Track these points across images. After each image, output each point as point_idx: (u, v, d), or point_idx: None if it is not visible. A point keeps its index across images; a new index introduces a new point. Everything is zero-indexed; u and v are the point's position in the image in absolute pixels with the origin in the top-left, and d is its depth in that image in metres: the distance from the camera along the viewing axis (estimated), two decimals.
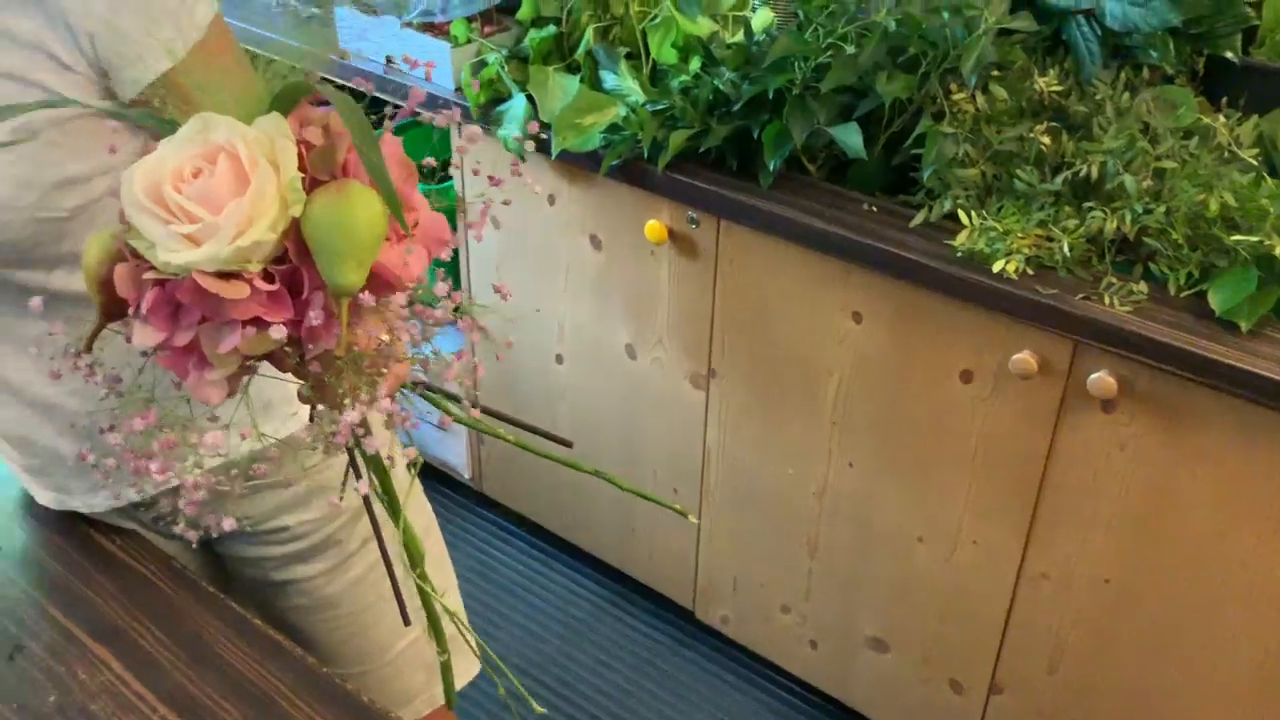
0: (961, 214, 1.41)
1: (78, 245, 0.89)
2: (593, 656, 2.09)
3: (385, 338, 0.61)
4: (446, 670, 0.84)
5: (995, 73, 1.46)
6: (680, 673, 2.06)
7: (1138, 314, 1.30)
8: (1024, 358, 1.40)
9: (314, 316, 0.58)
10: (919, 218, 1.46)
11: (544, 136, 1.67)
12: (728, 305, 1.70)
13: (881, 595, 1.74)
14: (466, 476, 2.32)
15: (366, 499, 0.68)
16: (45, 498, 1.08)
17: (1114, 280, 1.34)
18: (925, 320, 1.48)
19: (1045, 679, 1.61)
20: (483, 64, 1.77)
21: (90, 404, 0.97)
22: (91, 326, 0.65)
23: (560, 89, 1.68)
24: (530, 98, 1.70)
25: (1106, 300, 1.32)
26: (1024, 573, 1.56)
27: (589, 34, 1.71)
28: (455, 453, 2.32)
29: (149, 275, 0.58)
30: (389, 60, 1.93)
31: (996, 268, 1.36)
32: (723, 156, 1.60)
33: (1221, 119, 1.42)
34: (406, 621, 0.74)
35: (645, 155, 1.61)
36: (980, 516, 1.56)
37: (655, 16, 1.69)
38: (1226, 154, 1.39)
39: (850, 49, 1.47)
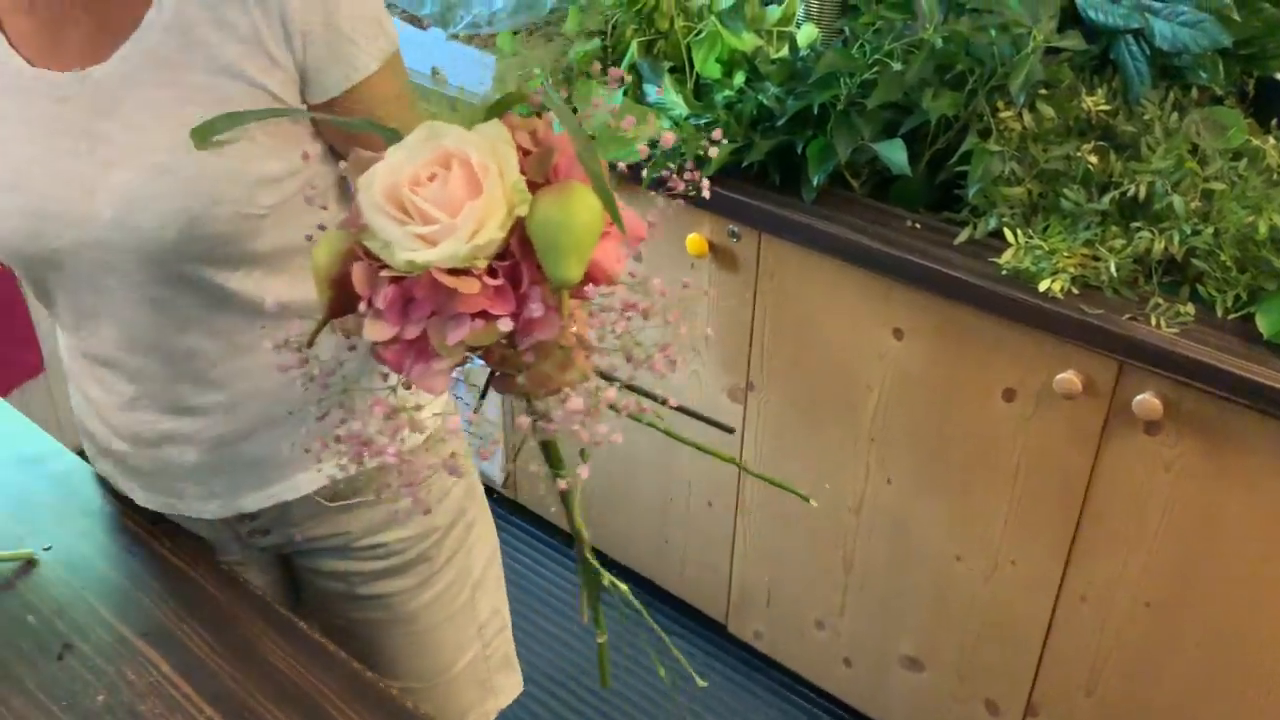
0: (1007, 232, 1.41)
1: (265, 245, 0.91)
2: (624, 668, 2.09)
3: (588, 331, 0.65)
4: (603, 650, 0.88)
5: (1043, 91, 1.46)
6: (711, 686, 2.05)
7: (1184, 335, 1.30)
8: (1068, 377, 1.39)
9: (534, 309, 0.62)
10: (963, 235, 1.46)
11: None
12: (767, 319, 1.70)
13: (918, 613, 1.73)
14: (500, 484, 2.33)
15: (564, 493, 0.73)
16: (153, 502, 1.08)
17: (1160, 301, 1.33)
18: (968, 338, 1.48)
19: (1083, 701, 1.59)
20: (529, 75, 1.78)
21: (221, 425, 1.00)
22: (316, 323, 0.68)
23: (604, 102, 1.69)
24: (574, 111, 1.71)
25: (1153, 321, 1.31)
26: (1063, 594, 1.55)
27: (633, 48, 1.72)
28: (489, 460, 2.33)
29: (385, 273, 0.62)
30: (435, 72, 1.95)
31: (1042, 286, 1.35)
32: (765, 171, 1.61)
33: (1271, 140, 1.41)
34: (586, 615, 0.79)
35: None
36: (1020, 536, 1.55)
37: (700, 31, 1.69)
38: (1276, 176, 1.38)
39: (897, 65, 1.47)
